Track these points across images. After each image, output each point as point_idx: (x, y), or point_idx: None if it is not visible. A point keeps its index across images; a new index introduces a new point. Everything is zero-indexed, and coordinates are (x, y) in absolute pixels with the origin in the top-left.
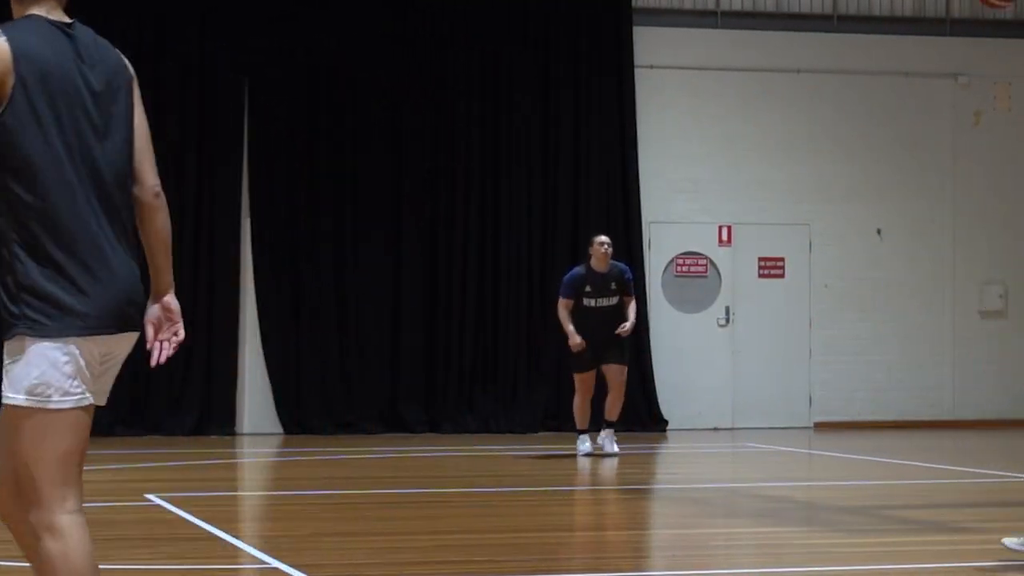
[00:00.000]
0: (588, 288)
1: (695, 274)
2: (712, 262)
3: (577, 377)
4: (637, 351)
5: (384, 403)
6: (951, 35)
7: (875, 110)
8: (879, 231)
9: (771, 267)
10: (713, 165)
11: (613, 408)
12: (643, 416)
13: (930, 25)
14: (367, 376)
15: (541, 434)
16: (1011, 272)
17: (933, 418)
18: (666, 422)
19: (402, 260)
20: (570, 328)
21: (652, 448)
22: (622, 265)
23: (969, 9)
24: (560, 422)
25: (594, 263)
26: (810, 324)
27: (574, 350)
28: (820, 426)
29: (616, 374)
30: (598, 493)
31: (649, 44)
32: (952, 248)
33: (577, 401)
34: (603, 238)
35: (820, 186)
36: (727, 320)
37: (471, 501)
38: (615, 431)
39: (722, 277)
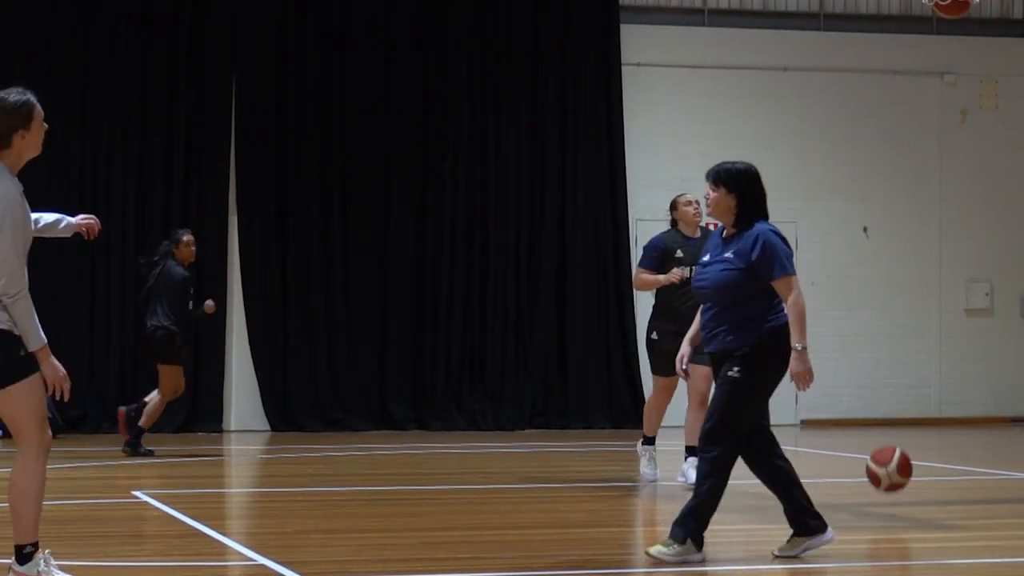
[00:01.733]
0: (680, 254)
1: None
2: None
3: (659, 381)
4: (624, 347)
5: (372, 400)
6: (937, 33)
7: (862, 108)
8: (865, 229)
9: None
10: (700, 163)
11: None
12: (630, 413)
13: (916, 23)
14: (355, 374)
15: (528, 431)
16: (997, 270)
17: (919, 416)
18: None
19: (390, 258)
20: (660, 277)
21: (634, 446)
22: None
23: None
24: (548, 419)
25: (683, 226)
26: None
27: (675, 279)
28: (806, 423)
29: (703, 380)
30: (585, 490)
31: (637, 42)
32: (938, 246)
33: (652, 402)
34: (689, 196)
35: (806, 184)
36: None
37: (458, 498)
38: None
39: None
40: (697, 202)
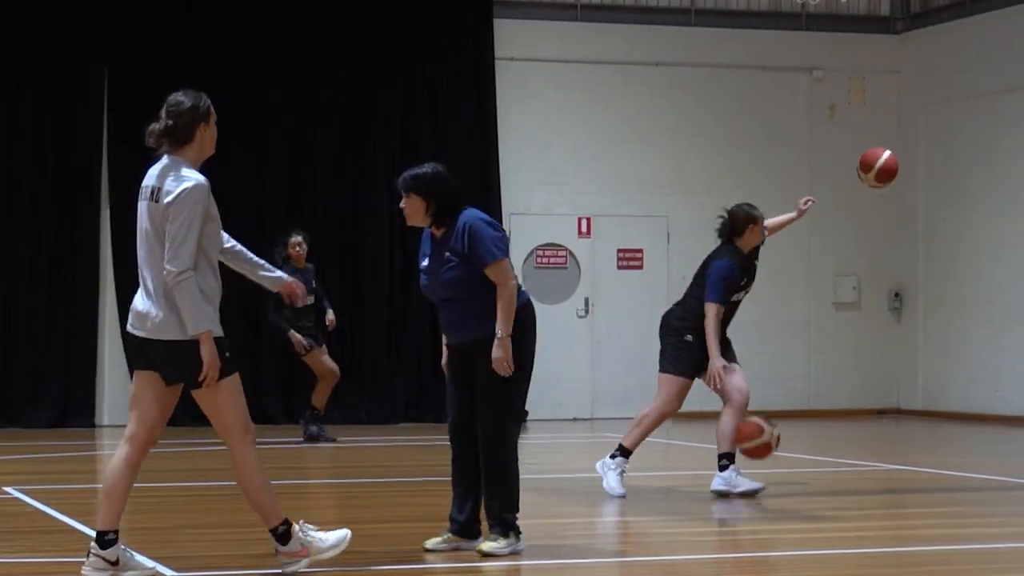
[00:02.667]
0: (744, 280)
1: (555, 265)
2: (572, 253)
3: (681, 383)
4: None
5: (245, 394)
6: (807, 29)
7: (733, 103)
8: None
9: (630, 258)
10: (573, 157)
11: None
12: None
13: (786, 20)
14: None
15: (403, 425)
16: (864, 264)
17: (789, 408)
18: (526, 412)
19: (263, 249)
20: (716, 352)
21: None
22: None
23: (824, 4)
24: (421, 413)
25: (742, 243)
26: None
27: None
28: (677, 416)
29: (744, 380)
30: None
31: (510, 37)
32: (808, 240)
33: (667, 409)
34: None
35: (678, 178)
36: (586, 311)
37: (333, 492)
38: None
39: (581, 268)
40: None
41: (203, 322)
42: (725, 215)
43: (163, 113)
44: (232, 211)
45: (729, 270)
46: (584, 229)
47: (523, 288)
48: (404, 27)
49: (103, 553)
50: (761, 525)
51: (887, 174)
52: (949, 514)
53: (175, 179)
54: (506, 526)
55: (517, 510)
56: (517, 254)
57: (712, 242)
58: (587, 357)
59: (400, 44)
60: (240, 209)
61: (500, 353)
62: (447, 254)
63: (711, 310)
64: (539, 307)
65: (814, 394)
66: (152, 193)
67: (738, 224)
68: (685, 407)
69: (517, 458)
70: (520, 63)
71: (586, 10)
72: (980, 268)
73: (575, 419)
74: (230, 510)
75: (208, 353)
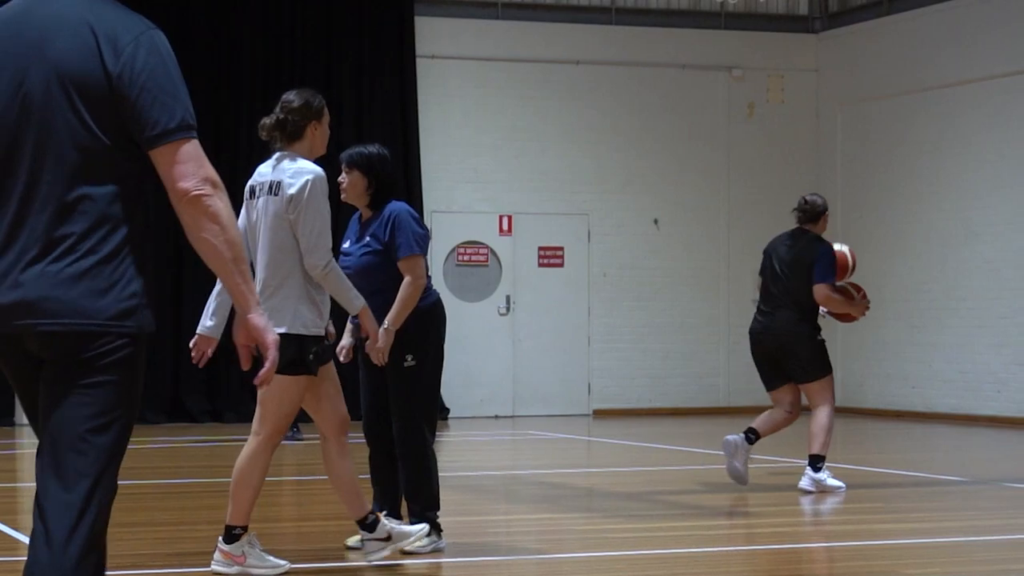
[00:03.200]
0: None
1: (476, 263)
2: (493, 251)
3: (830, 381)
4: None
5: (167, 393)
6: (726, 28)
7: (653, 101)
8: (656, 221)
9: (551, 256)
10: (494, 155)
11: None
12: None
13: (705, 18)
14: (149, 366)
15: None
16: None
17: (709, 405)
18: (447, 410)
19: (183, 252)
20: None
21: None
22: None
23: (743, 3)
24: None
25: (818, 229)
26: (589, 312)
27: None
28: (599, 413)
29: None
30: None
31: (431, 34)
32: (727, 238)
33: (831, 411)
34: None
35: (599, 176)
36: (507, 309)
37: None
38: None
39: (503, 266)
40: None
41: (358, 298)
42: (805, 203)
43: (277, 108)
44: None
45: (832, 250)
46: (505, 227)
47: (434, 289)
48: (325, 25)
49: (229, 548)
50: (678, 521)
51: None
52: (867, 509)
53: (295, 172)
54: (427, 524)
55: (437, 508)
56: (438, 252)
57: (632, 240)
58: (508, 355)
59: (320, 42)
60: (158, 209)
61: (380, 343)
62: (368, 238)
63: (825, 290)
64: (460, 305)
65: (733, 391)
66: (272, 188)
67: (819, 211)
68: (604, 404)
69: (434, 455)
70: (441, 61)
71: (507, 8)
72: (896, 265)
73: (496, 417)
74: (154, 508)
75: (371, 325)
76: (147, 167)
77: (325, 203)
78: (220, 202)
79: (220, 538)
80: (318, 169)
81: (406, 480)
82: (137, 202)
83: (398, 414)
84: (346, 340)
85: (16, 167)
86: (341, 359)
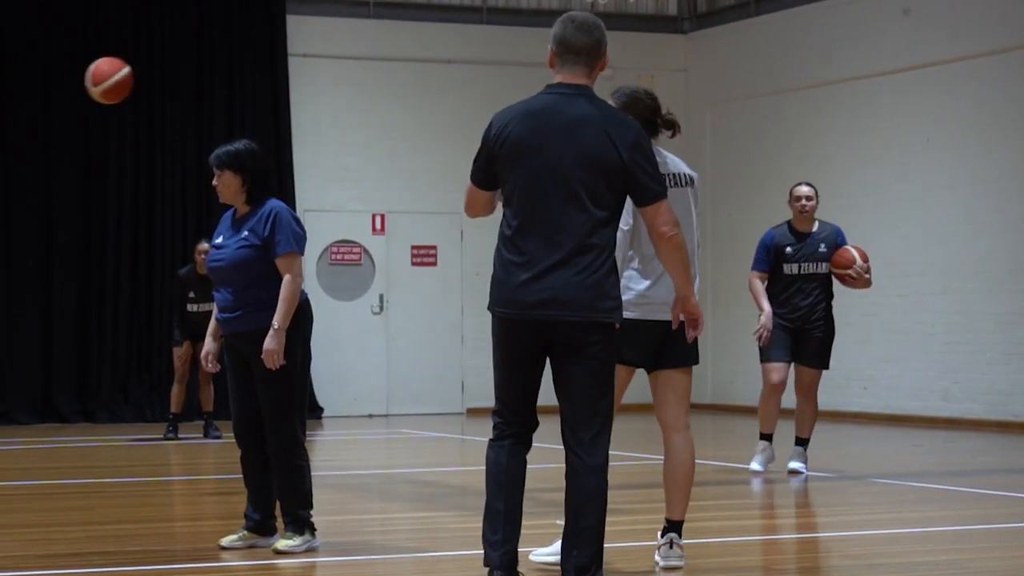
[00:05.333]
0: (788, 251)
1: (349, 262)
2: (366, 250)
3: (764, 367)
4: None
5: (37, 393)
6: None
7: None
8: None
9: (424, 255)
10: (367, 154)
11: (805, 422)
12: None
13: None
14: (19, 366)
15: (197, 422)
16: None
17: None
18: (322, 409)
19: (53, 248)
20: (764, 302)
21: (308, 435)
22: (834, 225)
23: (613, 3)
24: (220, 410)
25: (795, 221)
26: (462, 311)
27: (757, 334)
28: (473, 411)
29: (812, 379)
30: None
31: (303, 33)
32: None
33: (763, 397)
34: (805, 189)
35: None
36: (381, 308)
37: (126, 491)
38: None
39: (376, 265)
40: (808, 196)
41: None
42: None
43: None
44: (16, 207)
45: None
46: (378, 226)
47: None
48: (196, 24)
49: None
50: (550, 519)
51: (117, 92)
52: (738, 505)
53: (677, 163)
54: (300, 523)
55: (311, 507)
56: (311, 251)
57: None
58: (382, 354)
59: (191, 41)
60: (25, 203)
61: (273, 345)
62: (245, 233)
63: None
64: (334, 304)
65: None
66: (687, 180)
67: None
68: (479, 403)
69: (307, 453)
70: (313, 59)
71: (379, 7)
72: None
73: (371, 416)
74: (24, 510)
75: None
76: (616, 217)
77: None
78: (681, 236)
79: (673, 535)
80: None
81: (279, 478)
82: (613, 237)
83: (270, 412)
84: (210, 345)
85: (545, 212)
86: (209, 367)
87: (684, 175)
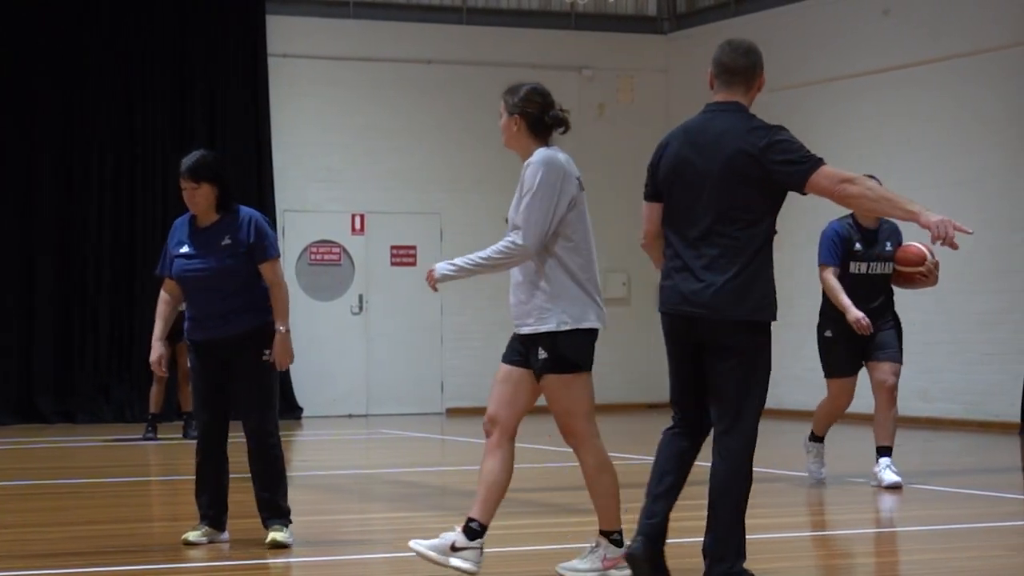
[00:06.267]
0: (858, 247)
1: (329, 262)
2: (345, 250)
3: (831, 383)
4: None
5: (17, 394)
6: (576, 29)
7: None
8: (508, 220)
9: (403, 255)
10: (346, 154)
11: (886, 426)
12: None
13: (556, 19)
14: (0, 367)
15: (176, 423)
16: (633, 261)
17: None
18: (301, 409)
19: (34, 249)
20: (846, 298)
21: (286, 436)
22: (893, 223)
23: (593, 4)
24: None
25: (859, 216)
26: (441, 311)
27: (859, 331)
28: (452, 412)
29: (890, 375)
30: (231, 482)
31: (282, 33)
32: None
33: (828, 407)
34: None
35: (451, 175)
36: (360, 308)
37: (103, 492)
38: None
39: (355, 265)
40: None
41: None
42: None
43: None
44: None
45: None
46: (358, 226)
47: None
48: (176, 24)
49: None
50: (532, 519)
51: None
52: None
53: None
54: (286, 515)
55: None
56: (291, 251)
57: (485, 239)
58: (362, 354)
59: (172, 41)
60: (6, 204)
61: (286, 347)
62: (226, 241)
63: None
64: (313, 304)
65: None
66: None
67: None
68: (458, 403)
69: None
70: (293, 60)
71: (358, 7)
72: None
73: (350, 416)
74: (2, 511)
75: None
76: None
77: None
78: (853, 187)
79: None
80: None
81: (266, 472)
82: (762, 239)
83: (259, 409)
84: (162, 349)
85: (699, 212)
86: (164, 371)
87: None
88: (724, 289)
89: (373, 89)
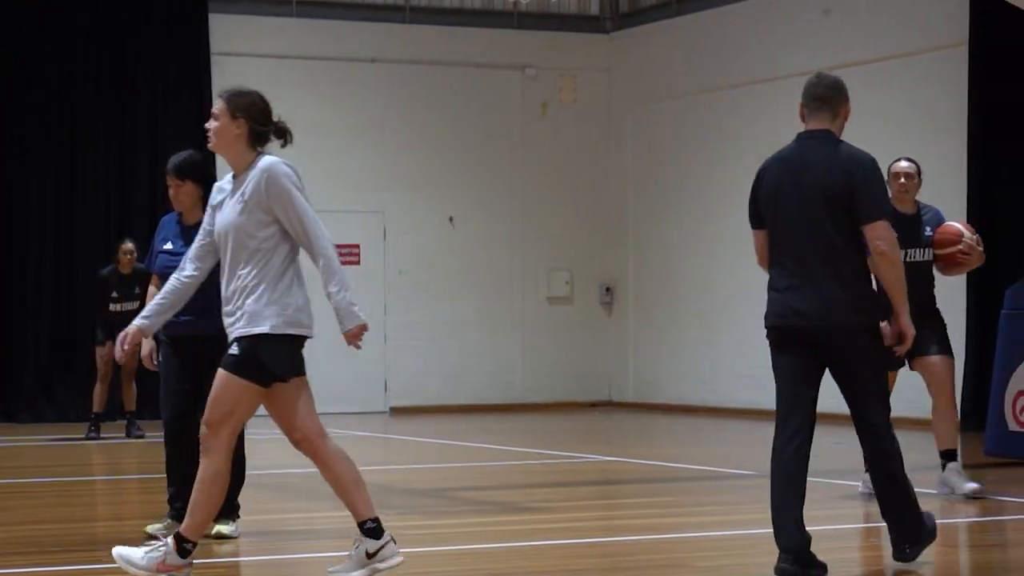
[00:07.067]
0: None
1: None
2: None
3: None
4: None
5: None
6: (519, 28)
7: (448, 100)
8: (452, 219)
9: (347, 254)
10: (289, 153)
11: (947, 427)
12: None
13: (499, 18)
14: None
15: (120, 422)
16: (577, 259)
17: (504, 401)
18: None
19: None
20: None
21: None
22: (935, 208)
23: (536, 3)
24: (140, 410)
25: (896, 202)
26: (385, 310)
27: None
28: (396, 410)
29: (942, 369)
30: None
31: (225, 32)
32: (522, 235)
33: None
34: (903, 164)
35: (395, 174)
36: None
37: (47, 491)
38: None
39: None
40: (908, 173)
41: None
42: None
43: None
44: None
45: None
46: None
47: None
48: (118, 23)
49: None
50: (477, 517)
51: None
52: (659, 503)
53: None
54: (236, 509)
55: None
56: None
57: (427, 237)
58: (305, 353)
59: (114, 40)
60: None
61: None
62: None
63: None
64: None
65: (529, 388)
66: None
67: None
68: (400, 401)
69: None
70: (236, 58)
71: (302, 6)
72: (688, 263)
73: None
74: None
75: None
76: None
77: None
78: (898, 254)
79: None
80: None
81: (235, 468)
82: (854, 253)
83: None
84: (151, 345)
85: (797, 239)
86: (154, 366)
87: None
88: (841, 301)
89: (317, 88)
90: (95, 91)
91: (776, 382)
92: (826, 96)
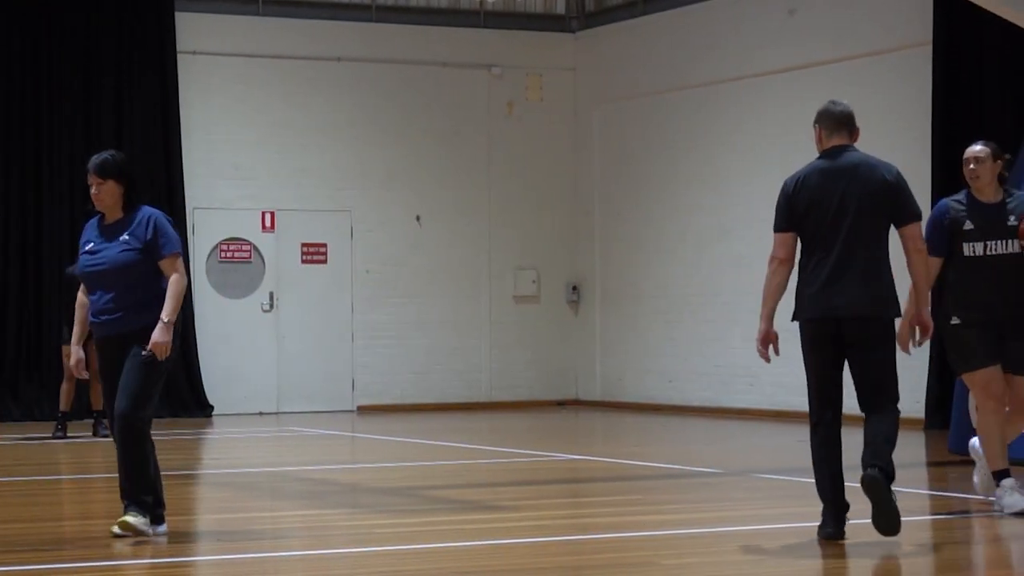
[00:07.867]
0: (968, 226)
1: (239, 260)
2: (256, 248)
3: (969, 379)
4: (182, 337)
5: None
6: (485, 27)
7: (414, 99)
8: (418, 218)
9: (314, 253)
10: (257, 152)
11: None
12: (188, 402)
13: (465, 17)
14: None
15: (87, 420)
16: (543, 258)
17: (471, 400)
18: (211, 407)
19: None
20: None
21: (197, 434)
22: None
23: (502, 3)
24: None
25: (974, 190)
26: (352, 309)
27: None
28: (363, 409)
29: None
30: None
31: (192, 30)
32: (488, 234)
33: (979, 420)
34: (975, 148)
35: (361, 173)
36: (271, 305)
37: (13, 490)
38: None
39: (266, 263)
40: (977, 157)
41: None
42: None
43: None
44: None
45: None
46: (268, 223)
47: None
48: (84, 21)
49: None
50: (444, 516)
51: None
52: (626, 502)
53: None
54: (143, 507)
55: (151, 494)
56: (201, 249)
57: (395, 236)
58: (272, 351)
59: (79, 38)
60: None
61: (164, 337)
62: (125, 237)
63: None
64: (223, 302)
65: (495, 386)
66: None
67: None
68: (368, 400)
69: (153, 447)
70: (202, 57)
71: (268, 4)
72: (653, 262)
73: (261, 413)
74: None
75: None
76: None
77: None
78: (921, 252)
79: None
80: None
81: (125, 463)
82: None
83: (132, 400)
84: (81, 352)
85: (837, 236)
86: (84, 374)
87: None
88: (878, 295)
89: (283, 86)
90: (61, 90)
91: (811, 370)
92: (843, 118)
